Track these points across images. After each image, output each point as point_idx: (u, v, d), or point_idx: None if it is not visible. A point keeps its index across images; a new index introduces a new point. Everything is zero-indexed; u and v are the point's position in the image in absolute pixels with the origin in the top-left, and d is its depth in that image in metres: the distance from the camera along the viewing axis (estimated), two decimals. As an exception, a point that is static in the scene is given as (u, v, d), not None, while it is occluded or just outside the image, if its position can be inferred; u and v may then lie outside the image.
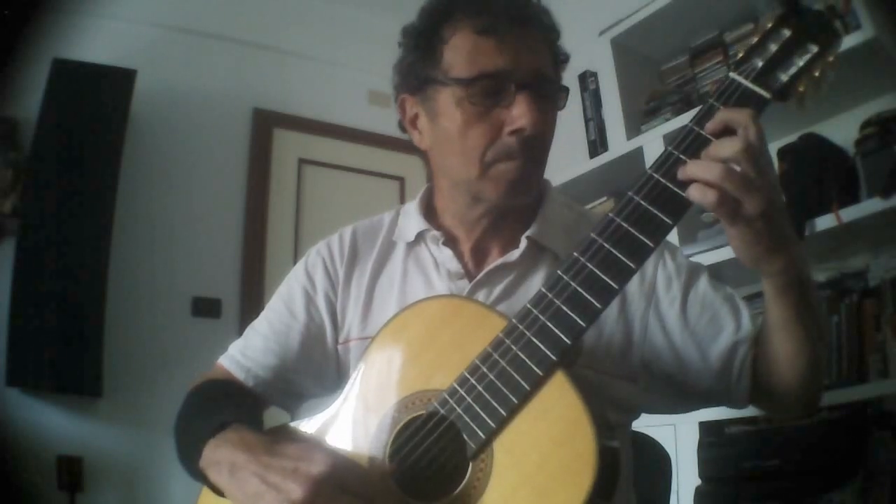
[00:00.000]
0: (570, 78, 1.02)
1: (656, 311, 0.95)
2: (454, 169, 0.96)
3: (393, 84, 1.03)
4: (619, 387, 0.93)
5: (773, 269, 0.76)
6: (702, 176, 0.70)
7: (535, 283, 0.95)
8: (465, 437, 0.74)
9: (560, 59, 0.99)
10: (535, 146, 0.92)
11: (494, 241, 1.01)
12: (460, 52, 0.92)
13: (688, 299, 0.95)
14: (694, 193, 0.70)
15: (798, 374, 0.85)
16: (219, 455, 0.80)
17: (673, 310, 0.94)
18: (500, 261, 0.97)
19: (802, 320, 0.81)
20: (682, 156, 0.73)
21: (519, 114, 0.89)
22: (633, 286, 0.96)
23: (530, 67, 0.91)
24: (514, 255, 0.97)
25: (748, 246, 0.74)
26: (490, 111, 0.91)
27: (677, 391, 0.96)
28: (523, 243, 0.97)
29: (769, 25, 0.76)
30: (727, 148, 0.70)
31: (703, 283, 0.97)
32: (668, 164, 0.74)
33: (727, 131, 0.72)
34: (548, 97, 0.94)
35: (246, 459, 0.76)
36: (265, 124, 3.16)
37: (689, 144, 0.74)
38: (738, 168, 0.69)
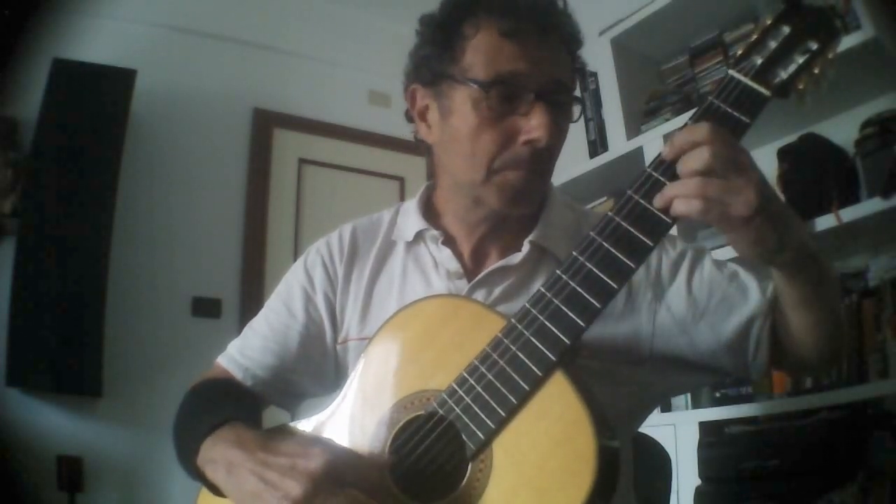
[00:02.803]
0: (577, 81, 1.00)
1: (663, 300, 0.94)
2: (459, 170, 0.95)
3: (404, 71, 1.00)
4: (625, 373, 0.92)
5: (783, 260, 0.75)
6: (680, 192, 0.69)
7: (536, 285, 0.94)
8: (464, 437, 0.74)
9: (578, 68, 0.97)
10: (544, 158, 0.91)
11: (494, 244, 1.00)
12: (481, 53, 0.89)
13: (694, 284, 0.94)
14: (679, 207, 0.69)
15: (820, 338, 0.84)
16: (215, 453, 0.80)
17: (681, 296, 0.93)
18: (501, 263, 0.96)
19: (818, 294, 0.81)
20: (660, 177, 0.73)
21: (536, 125, 0.87)
22: (639, 276, 0.94)
23: (550, 76, 0.89)
24: (517, 258, 0.96)
25: (754, 246, 0.71)
26: (505, 117, 0.89)
27: (689, 371, 0.95)
28: (526, 247, 0.96)
29: (769, 22, 0.76)
30: (695, 160, 0.68)
31: (708, 264, 0.96)
32: (666, 163, 0.74)
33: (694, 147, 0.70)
34: (564, 108, 0.92)
35: (243, 457, 0.76)
36: (265, 124, 3.16)
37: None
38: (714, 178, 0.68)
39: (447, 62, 0.92)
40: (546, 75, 0.89)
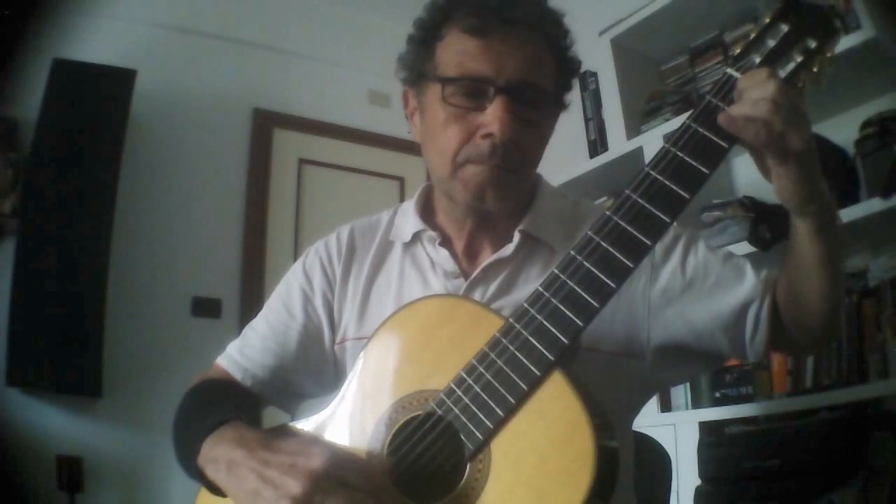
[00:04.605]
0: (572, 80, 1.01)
1: (658, 283, 0.94)
2: (433, 166, 0.98)
3: (399, 76, 1.03)
4: (625, 364, 0.93)
5: (815, 208, 0.78)
6: (751, 113, 0.71)
7: (531, 276, 0.95)
8: (462, 437, 0.74)
9: (568, 67, 0.98)
10: (510, 153, 0.91)
11: (486, 239, 1.00)
12: (448, 51, 0.92)
13: (689, 266, 0.95)
14: (747, 132, 0.72)
15: (831, 306, 0.85)
16: (216, 452, 0.80)
17: (676, 278, 0.94)
18: (494, 257, 0.97)
19: (835, 255, 0.82)
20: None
21: (491, 119, 0.88)
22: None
23: (515, 73, 0.89)
24: (508, 249, 0.97)
25: (797, 185, 0.75)
26: (468, 113, 0.91)
27: (688, 357, 0.96)
28: (516, 237, 0.97)
29: (767, 20, 0.76)
30: (766, 88, 0.72)
31: (702, 247, 0.97)
32: (665, 160, 0.74)
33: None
34: (532, 104, 0.92)
35: (244, 456, 0.76)
36: (265, 124, 3.16)
37: (701, 110, 0.76)
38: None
39: (425, 61, 0.95)
40: (508, 71, 0.89)
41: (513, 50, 0.90)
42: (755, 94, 0.72)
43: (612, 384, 0.83)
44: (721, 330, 0.92)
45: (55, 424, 2.44)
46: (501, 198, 0.94)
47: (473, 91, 0.90)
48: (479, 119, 0.90)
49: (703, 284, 0.93)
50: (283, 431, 0.89)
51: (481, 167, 0.91)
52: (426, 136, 0.98)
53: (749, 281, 0.92)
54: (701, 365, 1.00)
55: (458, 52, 0.91)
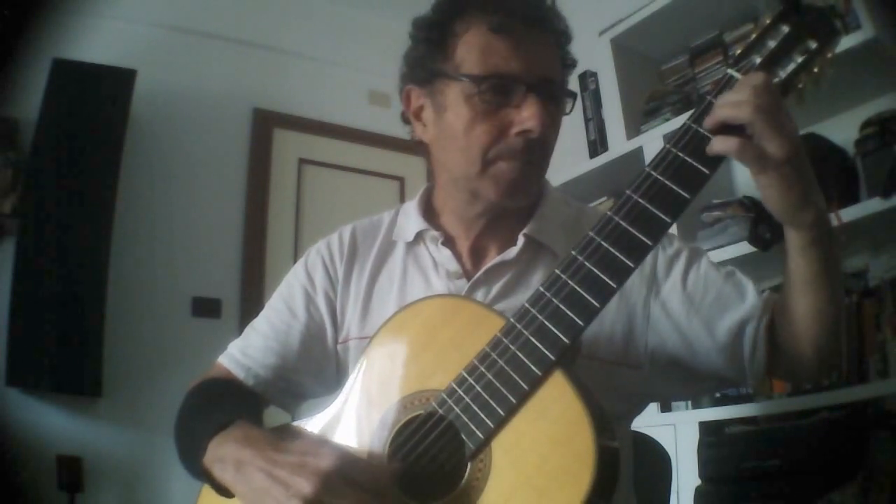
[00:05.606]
0: (570, 78, 1.03)
1: (658, 296, 0.95)
2: (455, 164, 0.96)
3: (399, 74, 1.02)
4: (623, 374, 0.93)
5: (806, 219, 0.76)
6: (732, 112, 0.71)
7: (534, 280, 0.95)
8: (463, 437, 0.74)
9: (567, 64, 1.00)
10: (539, 149, 0.92)
11: (492, 241, 1.01)
12: (473, 49, 0.92)
13: (689, 281, 0.95)
14: (718, 145, 0.71)
15: (825, 329, 0.84)
16: (223, 452, 0.80)
17: (675, 293, 0.94)
18: (497, 259, 0.97)
19: (828, 273, 0.81)
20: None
21: (529, 116, 0.89)
22: (633, 273, 0.95)
23: (541, 70, 0.91)
24: (512, 252, 0.97)
25: (782, 194, 0.73)
26: (498, 110, 0.91)
27: (686, 375, 0.95)
28: (521, 241, 0.97)
29: (768, 22, 0.76)
30: (745, 90, 0.71)
31: (704, 263, 0.97)
32: (666, 160, 0.74)
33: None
34: (555, 100, 0.94)
35: (252, 455, 0.76)
36: (265, 124, 3.16)
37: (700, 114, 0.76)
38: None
39: (440, 60, 0.94)
40: (536, 69, 0.91)
41: (536, 47, 0.92)
42: (734, 96, 0.72)
43: (610, 392, 0.83)
44: (717, 348, 0.91)
45: (55, 424, 2.44)
46: (528, 193, 0.97)
47: (505, 88, 0.90)
48: (510, 116, 0.91)
49: (702, 300, 0.93)
50: (288, 431, 0.89)
51: (514, 163, 0.92)
52: (446, 136, 0.96)
53: (750, 300, 0.91)
54: (700, 384, 0.99)
55: (484, 50, 0.91)
